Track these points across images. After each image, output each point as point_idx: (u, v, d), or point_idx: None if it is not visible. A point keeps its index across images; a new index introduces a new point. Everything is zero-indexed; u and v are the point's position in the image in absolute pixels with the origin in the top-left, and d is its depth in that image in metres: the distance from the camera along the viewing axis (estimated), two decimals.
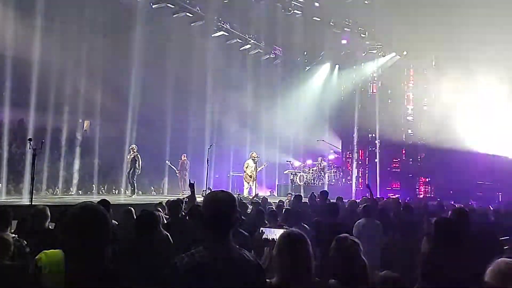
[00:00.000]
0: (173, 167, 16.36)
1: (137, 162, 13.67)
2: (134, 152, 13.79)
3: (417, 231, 5.91)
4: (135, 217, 5.58)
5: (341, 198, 9.85)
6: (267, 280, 2.44)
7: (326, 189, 16.03)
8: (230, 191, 2.56)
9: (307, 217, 6.73)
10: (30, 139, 8.97)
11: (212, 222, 2.21)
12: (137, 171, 13.75)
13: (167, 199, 7.25)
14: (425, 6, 15.10)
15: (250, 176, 15.12)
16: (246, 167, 15.34)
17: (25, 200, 9.72)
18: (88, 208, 2.04)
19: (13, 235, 4.20)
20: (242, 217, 5.95)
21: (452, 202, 10.45)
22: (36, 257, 2.26)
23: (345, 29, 18.48)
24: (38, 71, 12.95)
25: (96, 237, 1.94)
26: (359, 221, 6.06)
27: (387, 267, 4.86)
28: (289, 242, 2.48)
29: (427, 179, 19.16)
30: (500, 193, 13.66)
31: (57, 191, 14.18)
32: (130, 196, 13.67)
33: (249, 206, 8.18)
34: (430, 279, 3.58)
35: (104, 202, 5.70)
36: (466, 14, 13.89)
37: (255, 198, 11.38)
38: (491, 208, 9.02)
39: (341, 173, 19.76)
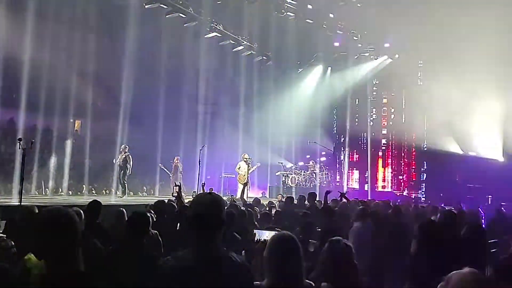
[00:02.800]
0: (166, 170, 16.30)
1: (128, 162, 13.60)
2: (126, 152, 13.72)
3: (406, 234, 5.95)
4: (126, 218, 5.55)
5: (336, 200, 9.84)
6: (257, 282, 2.43)
7: (318, 191, 16.10)
8: (217, 193, 2.55)
9: (298, 219, 6.73)
10: (20, 139, 8.89)
11: (198, 223, 2.20)
12: (128, 171, 13.68)
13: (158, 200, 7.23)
14: (417, 9, 15.19)
15: (244, 178, 15.10)
16: (238, 169, 15.33)
17: (14, 201, 9.62)
18: (53, 212, 2.02)
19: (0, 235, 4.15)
20: (235, 219, 5.92)
21: (443, 205, 10.50)
22: (25, 257, 2.24)
23: (338, 31, 18.55)
24: (28, 70, 12.84)
25: (61, 240, 1.92)
26: (355, 225, 6.09)
27: (378, 270, 4.89)
28: (280, 244, 2.47)
29: (418, 182, 19.25)
30: (490, 196, 13.76)
31: (46, 192, 14.06)
32: (121, 197, 13.60)
33: (241, 207, 8.17)
34: (416, 280, 3.61)
35: (95, 203, 5.66)
36: (459, 17, 13.99)
37: (243, 199, 11.39)
38: (481, 211, 9.10)
39: (333, 175, 19.82)
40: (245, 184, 14.72)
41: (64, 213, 1.99)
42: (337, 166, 21.27)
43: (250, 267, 2.28)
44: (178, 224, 5.70)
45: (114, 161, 14.14)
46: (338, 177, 20.62)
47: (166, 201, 6.94)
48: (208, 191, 2.44)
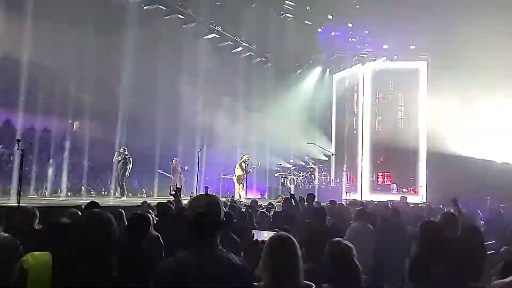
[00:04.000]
0: (166, 174, 16.29)
1: (127, 164, 13.59)
2: (125, 154, 13.72)
3: (405, 235, 5.96)
4: (125, 220, 5.54)
5: (334, 201, 9.85)
6: (255, 283, 2.43)
7: (316, 191, 16.11)
8: (216, 194, 2.55)
9: (298, 220, 6.72)
10: (18, 140, 8.87)
11: (196, 225, 2.20)
12: (127, 173, 13.68)
13: (157, 202, 7.23)
14: (415, 10, 15.21)
15: (242, 179, 15.11)
16: (237, 169, 15.34)
17: (12, 202, 9.60)
18: (94, 217, 2.02)
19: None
20: (234, 220, 5.92)
21: (442, 206, 10.50)
22: (22, 258, 2.23)
23: (336, 33, 18.57)
24: (27, 71, 12.83)
25: (97, 247, 1.92)
26: (352, 225, 6.09)
27: (377, 270, 4.89)
28: (278, 245, 2.47)
29: (415, 184, 19.25)
30: (488, 197, 13.76)
31: (45, 193, 14.04)
32: (120, 198, 13.58)
33: (240, 208, 8.17)
34: (416, 280, 3.62)
35: (93, 204, 5.65)
36: (460, 16, 14.01)
37: (240, 200, 11.39)
38: (480, 213, 9.10)
39: (331, 176, 19.83)
40: (241, 184, 14.74)
41: (107, 217, 1.99)
42: (336, 167, 21.26)
43: (249, 268, 2.28)
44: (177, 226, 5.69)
45: (113, 159, 14.10)
46: (336, 178, 20.58)
47: (167, 202, 6.94)
48: (205, 191, 2.44)
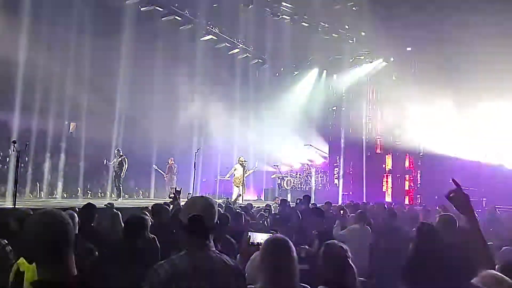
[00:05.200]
0: (160, 171, 16.26)
1: (123, 165, 13.56)
2: (121, 155, 13.68)
3: (402, 237, 5.97)
4: (121, 220, 5.52)
5: (329, 203, 9.88)
6: (251, 285, 2.43)
7: (313, 193, 16.13)
8: (213, 196, 2.55)
9: (294, 222, 6.73)
10: (14, 141, 8.84)
11: (191, 227, 2.20)
12: (122, 174, 13.65)
13: (153, 203, 7.21)
14: (412, 13, 15.25)
15: (239, 180, 15.08)
16: (234, 171, 15.32)
17: (8, 203, 9.56)
18: (47, 215, 1.99)
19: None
20: (228, 222, 5.91)
21: (437, 208, 10.52)
22: (18, 261, 2.22)
23: (333, 34, 18.60)
24: (23, 72, 12.79)
25: (54, 245, 1.88)
26: (350, 227, 6.11)
27: (374, 272, 4.90)
28: (273, 248, 2.47)
29: (413, 185, 19.29)
30: (484, 199, 13.80)
31: (41, 194, 13.99)
32: (116, 200, 13.54)
33: (237, 210, 8.16)
34: (412, 282, 3.62)
35: (89, 206, 5.63)
36: (457, 19, 14.05)
37: (237, 202, 11.37)
38: (476, 214, 9.12)
39: (328, 178, 19.84)
40: (240, 187, 14.69)
41: (57, 216, 1.96)
42: (332, 168, 21.28)
43: (244, 271, 2.28)
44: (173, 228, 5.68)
45: (105, 162, 14.05)
46: (333, 179, 20.60)
47: (163, 204, 6.93)
48: (197, 196, 2.44)
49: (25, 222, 1.99)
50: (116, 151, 13.92)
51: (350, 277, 2.75)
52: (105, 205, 5.96)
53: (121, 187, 13.77)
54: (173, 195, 6.65)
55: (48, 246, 1.88)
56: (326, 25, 17.99)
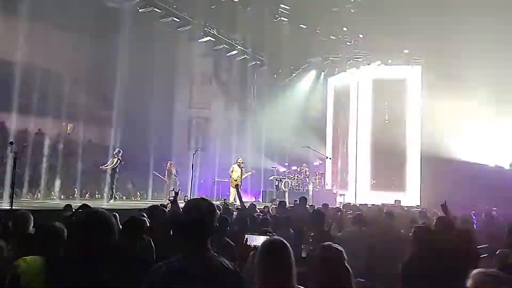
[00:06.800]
0: (159, 176, 16.24)
1: (117, 166, 13.58)
2: (118, 156, 13.66)
3: (399, 239, 5.98)
4: (119, 222, 5.52)
5: (326, 204, 9.89)
6: None
7: (310, 195, 16.13)
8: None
9: (292, 224, 6.72)
10: (11, 142, 8.82)
11: (190, 229, 2.20)
12: (117, 175, 13.67)
13: (151, 204, 7.19)
14: (411, 15, 15.29)
15: (235, 181, 15.07)
16: (232, 172, 15.33)
17: (5, 205, 9.53)
18: (96, 214, 2.00)
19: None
20: (226, 224, 5.90)
21: (435, 210, 10.53)
22: (15, 263, 2.22)
23: (331, 36, 18.64)
24: (20, 73, 12.76)
25: (96, 244, 1.91)
26: (347, 229, 6.11)
27: (370, 275, 4.90)
28: (270, 250, 2.47)
29: (410, 186, 19.30)
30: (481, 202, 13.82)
31: (38, 196, 13.95)
32: (108, 202, 13.49)
33: (233, 212, 8.16)
34: (409, 283, 3.64)
35: (85, 208, 5.62)
36: (455, 20, 14.10)
37: (234, 203, 11.34)
38: (473, 216, 9.14)
39: (325, 180, 19.84)
40: (236, 187, 14.68)
41: (105, 217, 1.99)
42: (330, 170, 21.29)
43: (241, 273, 2.28)
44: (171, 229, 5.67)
45: (100, 167, 13.97)
46: (331, 181, 20.62)
47: (159, 205, 6.91)
48: (197, 198, 2.44)
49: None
50: (115, 152, 13.82)
51: (345, 280, 2.75)
52: (80, 206, 5.88)
53: (114, 189, 13.72)
54: (172, 198, 6.64)
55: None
56: (324, 27, 18.02)
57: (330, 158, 20.02)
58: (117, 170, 13.54)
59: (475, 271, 2.24)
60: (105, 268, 2.03)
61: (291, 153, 20.60)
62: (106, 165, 13.77)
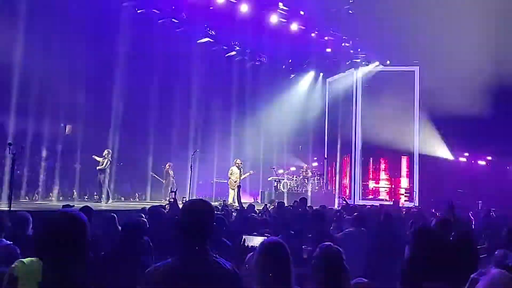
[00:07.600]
0: (157, 177, 16.23)
1: (108, 166, 13.67)
2: (108, 157, 13.73)
3: (397, 240, 5.98)
4: (118, 223, 5.52)
5: (324, 206, 9.89)
6: None
7: (309, 196, 16.13)
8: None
9: (291, 225, 6.72)
10: (9, 144, 8.81)
11: (188, 230, 2.20)
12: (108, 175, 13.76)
13: (150, 206, 7.20)
14: (409, 16, 15.32)
15: (235, 183, 15.08)
16: (231, 174, 15.32)
17: (3, 206, 9.52)
18: (67, 215, 2.00)
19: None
20: (224, 224, 5.90)
21: (433, 211, 10.56)
22: (12, 265, 2.20)
23: (330, 37, 18.65)
24: (19, 74, 12.75)
25: (73, 245, 1.89)
26: (347, 230, 6.12)
27: (369, 275, 4.90)
28: (270, 250, 2.47)
29: (409, 187, 19.32)
30: (480, 202, 13.87)
31: (36, 197, 13.92)
32: (106, 203, 13.49)
33: (232, 213, 8.16)
34: (408, 285, 3.64)
35: (86, 209, 5.62)
36: (454, 22, 14.14)
37: (233, 204, 11.35)
38: (471, 216, 9.16)
39: (324, 181, 19.84)
40: (237, 188, 14.68)
41: (78, 217, 1.98)
42: (329, 171, 21.31)
43: (239, 273, 2.28)
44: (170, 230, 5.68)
45: (97, 168, 13.98)
46: (329, 182, 20.62)
47: (158, 206, 6.92)
48: (195, 199, 2.44)
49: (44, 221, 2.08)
50: (105, 153, 13.86)
51: (344, 280, 2.76)
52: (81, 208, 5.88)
53: (107, 190, 13.74)
54: (172, 199, 6.66)
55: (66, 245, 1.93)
56: (323, 28, 18.03)
57: (327, 159, 20.05)
58: (108, 171, 13.61)
59: (493, 270, 2.22)
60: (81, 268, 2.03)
61: (290, 154, 20.60)
62: (98, 166, 13.83)
